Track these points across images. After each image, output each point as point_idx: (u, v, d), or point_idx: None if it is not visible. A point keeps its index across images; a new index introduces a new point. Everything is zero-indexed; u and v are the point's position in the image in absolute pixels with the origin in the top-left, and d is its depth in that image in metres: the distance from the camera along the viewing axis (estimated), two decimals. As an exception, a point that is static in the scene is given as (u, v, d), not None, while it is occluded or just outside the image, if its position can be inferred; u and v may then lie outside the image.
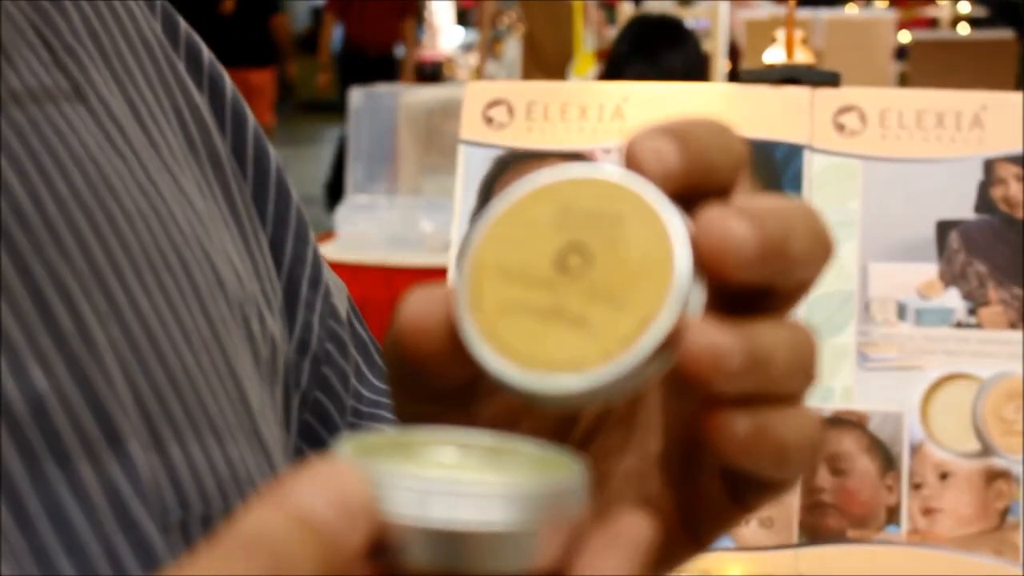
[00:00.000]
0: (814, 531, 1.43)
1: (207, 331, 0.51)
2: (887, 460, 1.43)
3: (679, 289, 0.38)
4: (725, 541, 1.43)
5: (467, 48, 9.89)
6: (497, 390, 0.38)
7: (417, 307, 0.39)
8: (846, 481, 1.43)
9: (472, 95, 1.61)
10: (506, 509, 0.34)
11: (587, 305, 0.38)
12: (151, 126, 0.53)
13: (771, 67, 1.53)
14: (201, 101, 0.57)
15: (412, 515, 0.33)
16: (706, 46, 3.44)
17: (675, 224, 0.38)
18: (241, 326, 0.53)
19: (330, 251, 3.92)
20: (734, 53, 4.04)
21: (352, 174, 4.30)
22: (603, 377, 0.37)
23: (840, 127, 1.49)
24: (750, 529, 1.43)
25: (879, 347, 1.45)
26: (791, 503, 1.43)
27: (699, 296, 0.39)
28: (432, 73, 9.95)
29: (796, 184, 1.48)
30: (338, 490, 0.33)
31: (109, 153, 0.50)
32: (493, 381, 0.38)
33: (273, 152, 0.60)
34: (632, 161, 0.40)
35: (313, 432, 0.59)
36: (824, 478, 1.43)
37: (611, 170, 0.39)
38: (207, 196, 0.55)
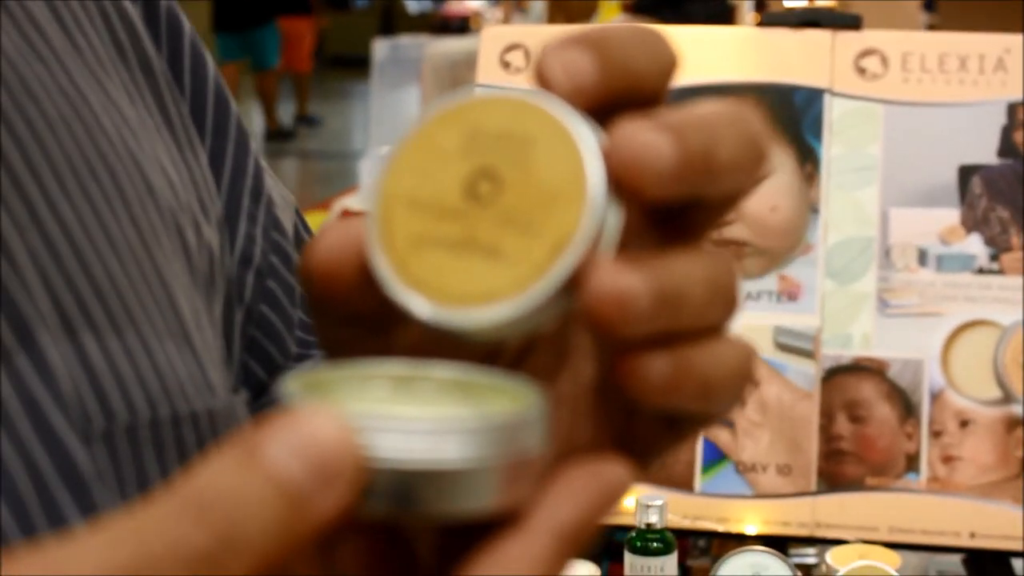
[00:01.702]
0: (832, 479, 1.42)
1: (135, 238, 0.49)
2: (907, 407, 1.42)
3: (592, 211, 0.35)
4: (742, 488, 1.42)
5: (494, 1, 9.84)
6: (423, 330, 0.36)
7: (329, 244, 0.37)
8: (865, 428, 1.42)
9: (489, 40, 1.59)
10: (465, 444, 0.32)
11: (499, 233, 0.35)
12: (75, 31, 0.51)
13: (791, 11, 1.51)
14: (133, 10, 0.55)
15: (378, 458, 0.31)
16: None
17: (588, 142, 0.35)
18: (174, 235, 0.51)
19: (355, 203, 3.90)
20: (761, 4, 4.00)
21: (375, 126, 4.28)
22: (516, 308, 0.35)
23: (861, 71, 1.47)
24: (767, 477, 1.42)
25: (899, 293, 1.43)
26: (809, 451, 1.42)
27: (616, 217, 0.36)
28: (459, 27, 9.90)
29: (816, 129, 1.46)
30: (314, 446, 0.30)
31: (29, 58, 0.48)
32: (406, 316, 0.36)
33: (211, 62, 0.58)
34: (541, 76, 0.36)
35: (259, 346, 0.57)
36: (843, 425, 1.42)
37: (520, 89, 0.37)
38: (137, 102, 0.53)
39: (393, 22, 12.89)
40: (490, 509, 0.32)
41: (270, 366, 0.59)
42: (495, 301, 0.35)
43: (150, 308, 0.49)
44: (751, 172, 0.38)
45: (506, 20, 7.02)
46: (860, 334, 1.43)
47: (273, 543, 0.30)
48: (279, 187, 0.61)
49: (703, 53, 1.50)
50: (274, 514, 0.30)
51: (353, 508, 0.31)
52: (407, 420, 0.32)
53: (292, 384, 0.33)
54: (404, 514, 0.32)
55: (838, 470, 1.42)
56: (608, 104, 0.37)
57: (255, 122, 10.13)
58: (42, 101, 0.48)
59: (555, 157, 0.36)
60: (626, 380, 0.37)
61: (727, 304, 0.38)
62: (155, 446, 0.47)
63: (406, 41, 4.56)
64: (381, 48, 4.27)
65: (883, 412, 1.42)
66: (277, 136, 9.81)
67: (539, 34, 1.53)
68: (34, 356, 0.44)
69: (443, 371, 0.36)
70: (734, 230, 1.46)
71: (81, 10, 0.52)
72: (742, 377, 0.39)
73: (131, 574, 0.29)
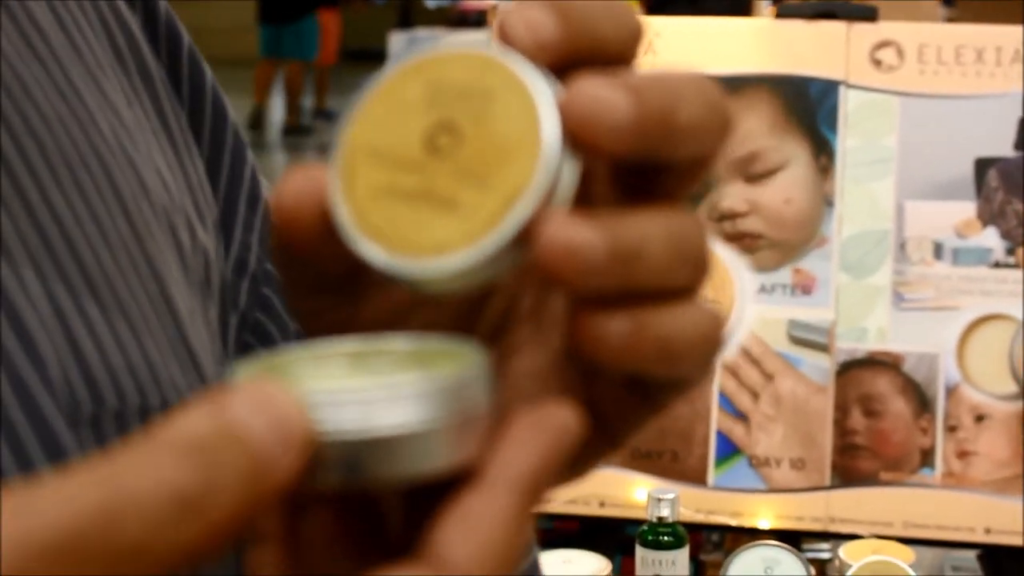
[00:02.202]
0: (847, 473, 1.41)
1: (128, 232, 0.49)
2: (922, 402, 1.41)
3: (546, 164, 0.35)
4: (756, 483, 1.42)
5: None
6: (383, 282, 0.37)
7: (290, 191, 0.38)
8: (880, 423, 1.41)
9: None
10: (410, 408, 0.32)
11: (456, 186, 0.36)
12: (75, 33, 0.52)
13: (806, 2, 1.50)
14: (132, 18, 0.56)
15: (325, 431, 0.32)
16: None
17: (544, 96, 0.36)
18: (167, 232, 0.52)
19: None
20: (778, -3, 3.97)
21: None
22: (467, 259, 0.35)
23: (877, 62, 1.46)
24: (781, 471, 1.41)
25: (914, 287, 1.42)
26: (824, 445, 1.41)
27: (572, 172, 0.36)
28: (477, 21, 9.91)
29: (831, 121, 1.45)
30: (273, 408, 0.31)
31: (27, 57, 0.49)
32: (363, 264, 0.36)
33: (208, 71, 0.59)
34: (503, 33, 0.37)
35: (254, 352, 0.58)
36: (857, 420, 1.41)
37: (482, 44, 0.37)
38: (134, 106, 0.54)
39: (411, 16, 12.90)
40: (441, 469, 0.33)
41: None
42: (448, 252, 0.36)
43: (142, 302, 0.49)
44: (715, 136, 0.38)
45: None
46: (875, 328, 1.42)
47: (242, 498, 0.30)
48: None
49: (718, 45, 1.49)
50: (242, 468, 0.30)
51: (307, 481, 0.32)
52: (350, 391, 0.32)
53: (246, 367, 0.34)
54: (357, 483, 0.33)
55: (852, 464, 1.41)
56: (572, 64, 0.37)
57: (277, 116, 10.16)
58: (39, 100, 0.48)
59: (512, 111, 0.36)
60: (583, 339, 0.37)
61: (694, 266, 0.38)
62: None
63: (423, 35, 4.56)
64: (398, 42, 4.27)
65: (898, 406, 1.41)
66: (295, 131, 9.83)
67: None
68: (24, 341, 0.44)
69: (396, 343, 0.36)
70: (748, 222, 1.45)
71: (81, 14, 0.53)
72: (708, 343, 0.38)
73: (109, 513, 0.29)
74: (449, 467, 0.33)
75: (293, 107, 9.91)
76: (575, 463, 0.43)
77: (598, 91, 0.36)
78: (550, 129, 0.36)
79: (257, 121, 9.67)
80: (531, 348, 0.42)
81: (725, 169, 1.46)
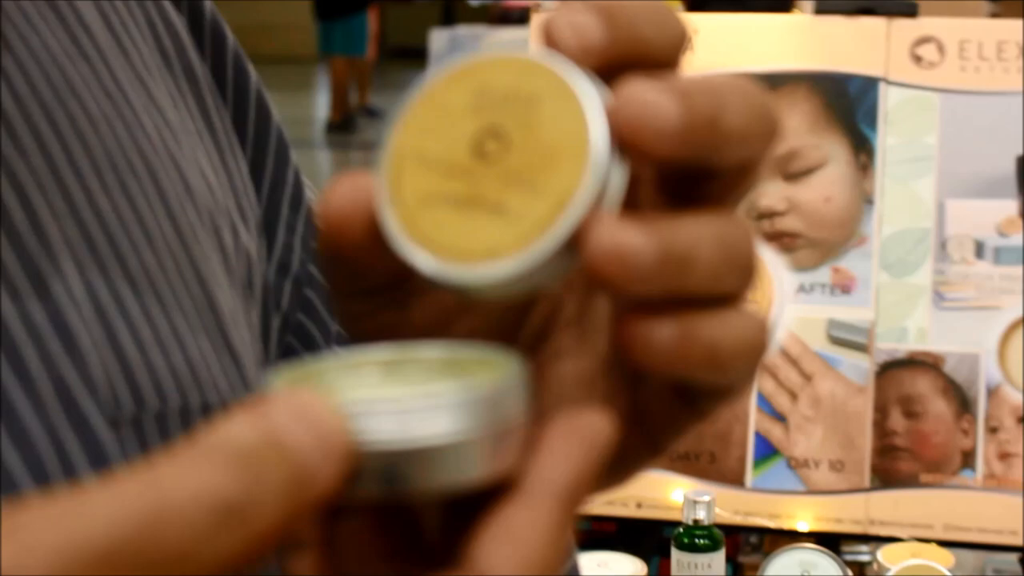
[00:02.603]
0: (886, 475, 1.39)
1: (171, 233, 0.49)
2: (962, 403, 1.39)
3: (595, 169, 0.35)
4: (794, 484, 1.40)
5: (555, -8, 9.84)
6: (430, 288, 0.37)
7: (337, 199, 0.37)
8: (920, 424, 1.40)
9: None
10: (448, 418, 0.32)
11: (504, 191, 0.36)
12: (123, 34, 0.52)
13: (846, -3, 1.48)
14: (178, 20, 0.56)
15: (363, 441, 0.32)
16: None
17: (592, 101, 0.35)
18: (211, 234, 0.52)
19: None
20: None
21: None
22: (517, 265, 0.35)
23: (917, 58, 1.44)
24: (820, 472, 1.40)
25: (955, 286, 1.41)
26: (863, 447, 1.39)
27: (620, 176, 0.36)
28: (520, 18, 9.91)
29: (871, 118, 1.44)
30: (314, 418, 0.31)
31: (75, 57, 0.49)
32: (413, 271, 0.36)
33: (253, 73, 0.59)
34: (548, 36, 0.37)
35: (295, 354, 0.58)
36: (897, 421, 1.40)
37: (527, 49, 0.37)
38: (180, 107, 0.54)
39: (454, 13, 12.92)
40: (479, 480, 0.33)
41: None
42: (497, 258, 0.35)
43: (184, 301, 0.49)
44: (762, 142, 0.38)
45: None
46: (915, 328, 1.41)
47: (285, 506, 0.30)
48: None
49: (757, 41, 1.48)
50: (285, 477, 0.30)
51: (346, 491, 0.32)
52: (387, 401, 0.32)
53: (281, 376, 0.34)
54: (395, 493, 0.32)
55: (892, 466, 1.40)
56: (616, 68, 0.37)
57: (322, 112, 10.20)
58: (85, 99, 0.49)
59: (560, 116, 0.36)
60: (630, 344, 0.37)
61: (742, 272, 0.38)
62: (186, 434, 0.48)
63: (464, 32, 4.56)
64: (439, 39, 4.27)
65: (939, 407, 1.39)
66: (339, 127, 9.86)
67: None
68: (66, 340, 0.44)
69: (430, 351, 0.36)
70: (787, 221, 1.43)
71: (128, 15, 0.53)
72: (754, 349, 0.38)
73: (152, 521, 0.29)
74: (487, 477, 0.33)
75: (337, 104, 9.94)
76: (617, 468, 0.42)
77: (646, 95, 0.35)
78: (598, 133, 0.35)
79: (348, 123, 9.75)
80: (576, 353, 0.42)
81: (764, 167, 1.45)
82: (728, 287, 0.37)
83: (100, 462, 0.44)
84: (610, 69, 0.37)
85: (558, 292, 0.42)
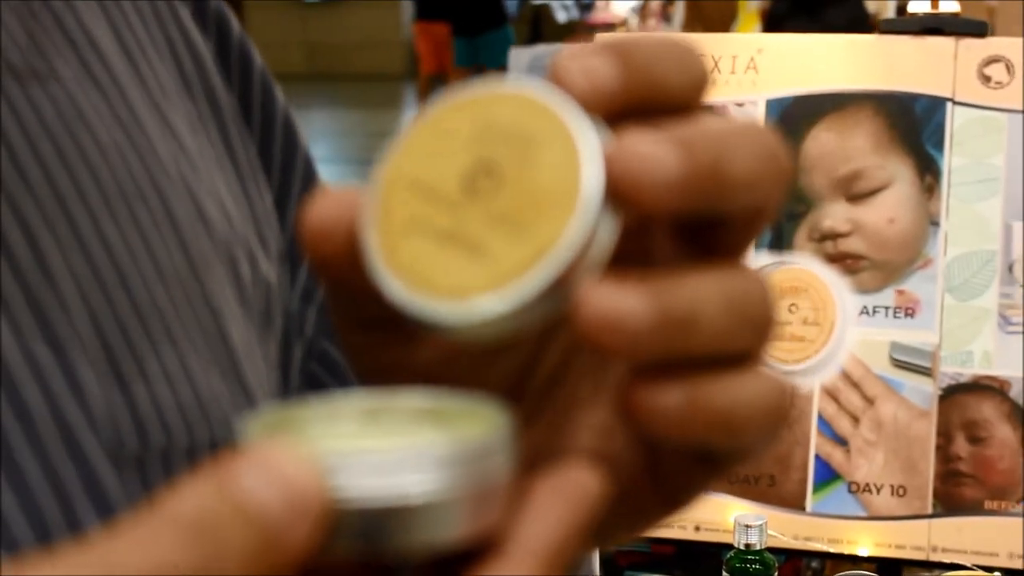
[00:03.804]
0: (949, 501, 1.37)
1: (183, 264, 0.48)
2: (1028, 429, 1.37)
3: (582, 219, 0.33)
4: (855, 509, 1.38)
5: (640, 11, 9.85)
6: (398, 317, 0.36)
7: (319, 213, 0.36)
8: (984, 450, 1.37)
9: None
10: (430, 474, 0.31)
11: (487, 230, 0.34)
12: (141, 60, 0.51)
13: (913, 16, 1.46)
14: (202, 41, 0.55)
15: (342, 498, 0.30)
16: (873, 5, 3.33)
17: (591, 148, 0.34)
18: (226, 265, 0.51)
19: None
20: (902, 10, 3.90)
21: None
22: (484, 308, 0.34)
23: (986, 79, 1.42)
24: (882, 497, 1.38)
25: (1021, 310, 1.38)
26: (926, 471, 1.37)
27: (610, 229, 0.34)
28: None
29: (937, 139, 1.42)
30: (285, 477, 0.30)
31: (87, 86, 0.48)
32: (381, 295, 0.35)
33: (281, 96, 0.58)
34: (558, 77, 0.35)
35: (319, 381, 0.57)
36: (961, 446, 1.37)
37: (538, 86, 0.35)
38: (199, 133, 0.53)
39: (541, 31, 12.93)
40: (460, 539, 0.32)
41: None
42: (464, 297, 0.34)
43: (194, 334, 0.48)
44: (771, 187, 0.36)
45: (644, 29, 6.99)
46: (981, 352, 1.38)
47: (248, 571, 0.29)
48: None
49: (823, 61, 1.46)
50: (248, 543, 0.29)
51: (323, 547, 0.30)
52: (367, 456, 0.31)
53: (257, 423, 0.33)
54: (374, 550, 0.31)
55: (955, 492, 1.37)
56: (631, 113, 0.35)
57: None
58: (96, 128, 0.48)
59: (556, 160, 0.35)
60: (636, 412, 0.35)
61: (755, 329, 0.36)
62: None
63: (542, 50, 4.53)
64: (519, 58, 4.25)
65: (1004, 433, 1.37)
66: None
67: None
68: (69, 377, 0.44)
69: (412, 400, 0.35)
70: (850, 242, 1.42)
71: (148, 38, 0.53)
72: (772, 413, 0.36)
73: None
74: (469, 536, 0.32)
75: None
76: (633, 522, 0.41)
77: (644, 146, 0.34)
78: (591, 182, 0.34)
79: None
80: (592, 403, 0.41)
81: (828, 188, 1.43)
82: (740, 346, 0.36)
83: (101, 502, 0.43)
84: (623, 111, 0.35)
85: (571, 339, 0.40)
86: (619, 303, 0.33)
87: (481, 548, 0.32)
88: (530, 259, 0.34)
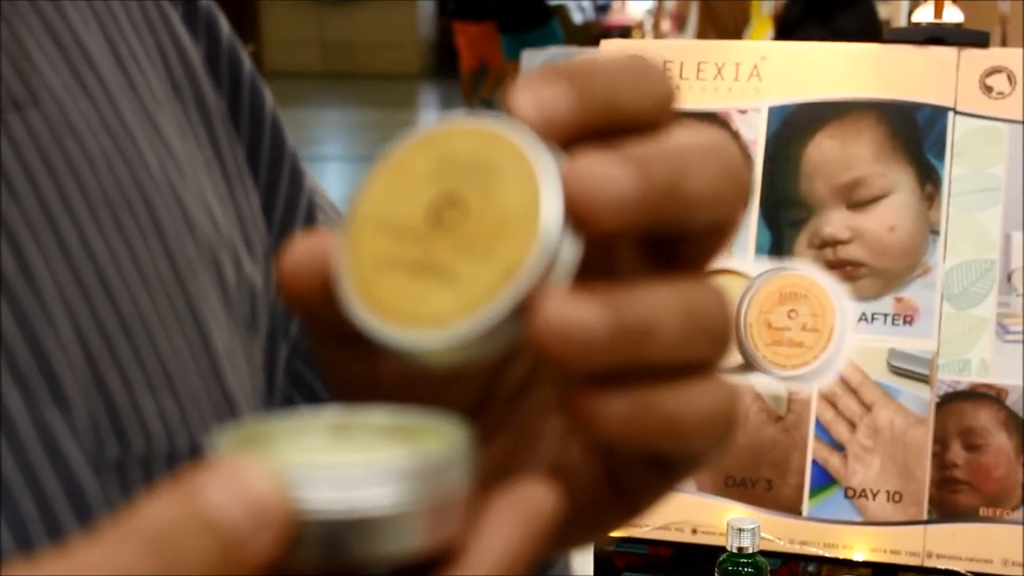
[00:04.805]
0: (945, 508, 1.38)
1: (168, 272, 0.49)
2: (1024, 437, 1.37)
3: (544, 240, 0.35)
4: (851, 514, 1.39)
5: (655, 14, 9.86)
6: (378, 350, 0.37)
7: (293, 257, 0.38)
8: (980, 457, 1.38)
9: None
10: (389, 487, 0.32)
11: (457, 258, 0.36)
12: (131, 66, 0.52)
13: (917, 26, 1.47)
14: (192, 45, 0.56)
15: (304, 510, 0.32)
16: (885, 10, 3.34)
17: (548, 172, 0.35)
18: (211, 270, 0.52)
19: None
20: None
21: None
22: (459, 332, 0.35)
23: (987, 89, 1.43)
24: (877, 503, 1.39)
25: (1019, 319, 1.39)
26: (922, 478, 1.38)
27: (573, 249, 0.35)
28: (620, 36, 9.91)
29: (938, 148, 1.43)
30: (247, 489, 0.31)
31: (76, 93, 0.49)
32: (359, 332, 0.36)
33: (270, 98, 0.59)
34: (511, 110, 0.36)
35: (304, 381, 0.58)
36: (957, 453, 1.38)
37: (494, 119, 0.37)
38: (188, 137, 0.54)
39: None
40: (419, 550, 0.33)
41: (315, 400, 0.60)
42: (440, 324, 0.35)
43: (177, 342, 0.49)
44: (733, 203, 0.37)
45: (657, 30, 6.98)
46: (978, 360, 1.39)
47: None
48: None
49: (824, 69, 1.47)
50: (210, 553, 0.30)
51: (285, 557, 0.32)
52: (329, 468, 0.32)
53: (225, 437, 0.34)
54: (336, 561, 0.32)
55: (951, 499, 1.38)
56: (591, 135, 0.36)
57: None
58: (84, 137, 0.49)
59: (516, 186, 0.36)
60: (579, 417, 0.36)
61: (712, 340, 0.37)
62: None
63: (556, 51, 4.55)
64: (532, 58, 4.26)
65: (1000, 441, 1.38)
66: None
67: (656, 48, 1.51)
68: (51, 383, 0.44)
69: (378, 416, 0.36)
70: (850, 249, 1.43)
71: (139, 44, 0.53)
72: (720, 420, 0.37)
73: None
74: (428, 547, 0.33)
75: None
76: (593, 528, 0.42)
77: (598, 167, 0.35)
78: (550, 205, 0.35)
79: None
80: (552, 413, 0.42)
81: (829, 195, 1.44)
82: (695, 356, 0.36)
83: (81, 507, 0.44)
84: (583, 135, 0.36)
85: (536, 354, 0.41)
86: (574, 313, 0.34)
87: (439, 560, 0.33)
88: (497, 281, 0.35)
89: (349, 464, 0.33)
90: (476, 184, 0.36)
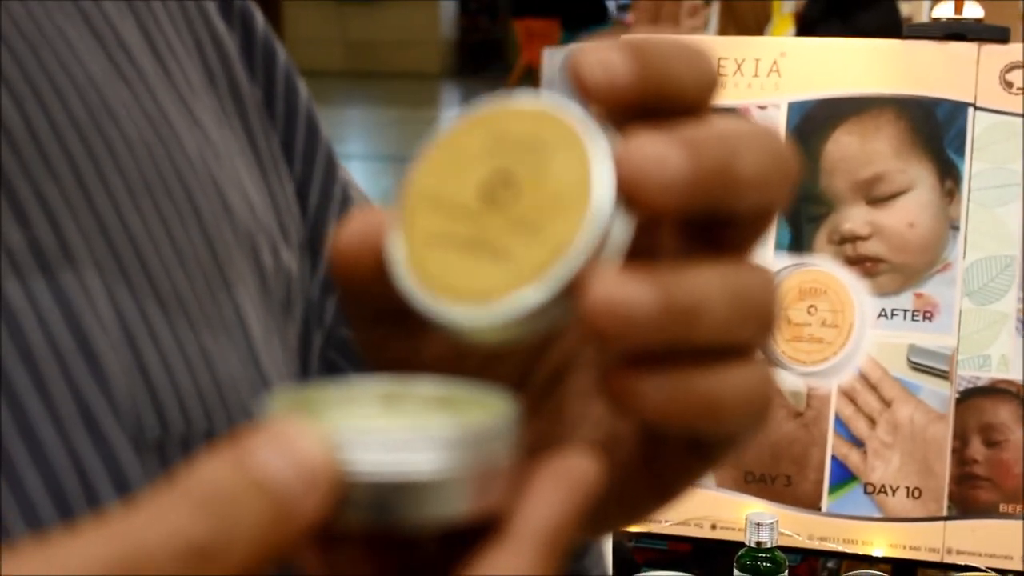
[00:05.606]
0: (965, 504, 1.38)
1: (206, 255, 0.50)
2: (1044, 433, 1.37)
3: (595, 218, 0.35)
4: (870, 510, 1.39)
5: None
6: (427, 326, 0.37)
7: (348, 234, 0.38)
8: (1001, 453, 1.38)
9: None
10: (435, 453, 0.33)
11: (508, 236, 0.36)
12: (167, 55, 0.53)
13: (937, 22, 1.47)
14: (228, 36, 0.57)
15: (353, 472, 0.32)
16: (907, 8, 3.33)
17: (600, 151, 0.36)
18: (248, 255, 0.52)
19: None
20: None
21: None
22: (508, 310, 0.35)
23: (1007, 84, 1.43)
24: (897, 499, 1.39)
25: (1039, 315, 1.39)
26: (941, 474, 1.38)
27: (623, 228, 0.36)
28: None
29: (958, 144, 1.43)
30: (297, 450, 0.31)
31: (115, 81, 0.50)
32: (409, 308, 0.37)
33: (304, 89, 0.59)
34: (576, 71, 0.36)
35: (338, 368, 0.58)
36: (977, 449, 1.38)
37: (547, 97, 0.37)
38: (224, 126, 0.54)
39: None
40: (464, 516, 0.33)
41: None
42: (490, 301, 0.36)
43: (215, 323, 0.50)
44: (779, 188, 0.38)
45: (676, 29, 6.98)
46: (998, 356, 1.39)
47: (261, 542, 0.31)
48: None
49: (844, 65, 1.47)
50: (262, 513, 0.31)
51: (333, 519, 0.32)
52: (379, 433, 0.33)
53: (277, 402, 0.35)
54: (383, 524, 0.33)
55: (971, 495, 1.38)
56: (642, 110, 0.37)
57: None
58: (122, 121, 0.49)
59: (568, 165, 0.36)
60: (620, 397, 0.37)
61: (757, 322, 0.37)
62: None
63: (574, 47, 4.54)
64: (552, 57, 4.25)
65: (1020, 437, 1.38)
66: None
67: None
68: (92, 364, 0.45)
69: (428, 387, 0.36)
70: (870, 245, 1.43)
71: (175, 34, 0.54)
72: (756, 403, 0.38)
73: (125, 567, 0.30)
74: (473, 514, 0.33)
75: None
76: (626, 511, 0.42)
77: (651, 148, 0.35)
78: (601, 184, 0.36)
79: None
80: (592, 395, 0.42)
81: (849, 191, 1.44)
82: (740, 338, 0.37)
83: (122, 485, 0.45)
84: (635, 110, 0.36)
85: (576, 334, 0.42)
86: (624, 292, 0.34)
87: (484, 528, 0.34)
88: (547, 259, 0.35)
89: (395, 429, 0.33)
90: (529, 163, 0.37)
